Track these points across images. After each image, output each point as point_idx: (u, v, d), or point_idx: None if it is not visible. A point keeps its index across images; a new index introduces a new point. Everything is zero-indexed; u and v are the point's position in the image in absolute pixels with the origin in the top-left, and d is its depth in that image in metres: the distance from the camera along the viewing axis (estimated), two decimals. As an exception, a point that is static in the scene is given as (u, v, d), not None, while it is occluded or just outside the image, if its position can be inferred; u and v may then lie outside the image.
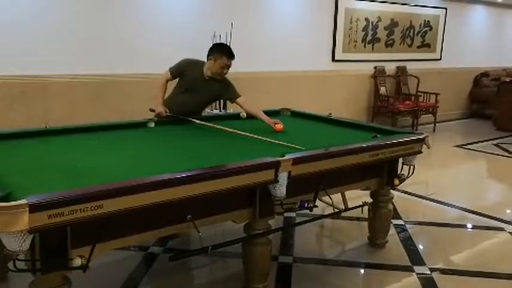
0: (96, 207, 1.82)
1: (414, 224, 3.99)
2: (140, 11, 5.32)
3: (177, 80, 3.73)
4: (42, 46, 4.73)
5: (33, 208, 1.67)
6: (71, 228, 1.91)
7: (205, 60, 3.62)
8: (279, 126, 3.36)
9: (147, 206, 1.97)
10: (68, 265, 1.94)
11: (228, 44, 5.47)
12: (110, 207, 1.86)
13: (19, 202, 1.66)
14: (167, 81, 3.69)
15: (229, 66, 3.58)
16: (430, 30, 8.62)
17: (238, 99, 3.65)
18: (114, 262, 3.13)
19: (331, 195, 2.92)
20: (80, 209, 1.78)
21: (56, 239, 1.89)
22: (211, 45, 3.64)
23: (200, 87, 3.62)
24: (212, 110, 5.72)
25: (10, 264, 1.88)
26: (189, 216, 2.27)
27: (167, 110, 3.58)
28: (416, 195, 4.72)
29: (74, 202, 1.76)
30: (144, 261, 3.19)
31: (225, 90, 3.67)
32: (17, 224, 1.65)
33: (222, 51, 3.53)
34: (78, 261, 1.94)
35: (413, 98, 7.97)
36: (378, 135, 3.18)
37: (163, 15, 5.49)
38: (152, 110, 3.67)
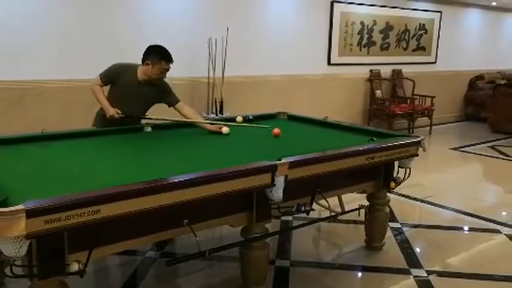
0: (93, 212, 1.82)
1: (411, 226, 4.00)
2: (136, 16, 5.33)
3: (109, 87, 3.54)
4: (38, 51, 4.73)
5: (30, 213, 1.67)
6: (68, 234, 1.91)
7: (137, 62, 3.48)
8: (276, 131, 3.37)
9: (144, 210, 1.97)
10: (65, 270, 1.94)
11: (223, 47, 5.48)
12: (107, 212, 1.86)
13: (16, 208, 1.66)
14: (100, 86, 3.48)
15: (167, 70, 3.45)
16: (425, 33, 8.67)
17: (178, 104, 3.55)
18: (112, 267, 3.13)
19: (327, 199, 2.92)
20: (77, 214, 1.78)
21: (53, 244, 1.89)
22: (147, 47, 3.43)
23: (135, 92, 3.46)
24: (208, 114, 5.74)
25: (7, 270, 1.87)
26: (186, 220, 2.27)
27: (119, 112, 3.41)
28: (412, 198, 4.73)
29: (70, 207, 1.76)
30: (141, 265, 3.18)
31: (163, 94, 3.55)
32: (14, 229, 1.65)
33: (160, 55, 3.37)
34: (75, 267, 1.94)
35: (409, 101, 8.01)
36: (374, 139, 3.19)
37: (159, 20, 5.50)
38: (102, 115, 3.50)
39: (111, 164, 2.60)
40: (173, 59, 3.43)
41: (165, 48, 3.43)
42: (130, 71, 3.46)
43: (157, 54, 3.37)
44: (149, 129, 3.46)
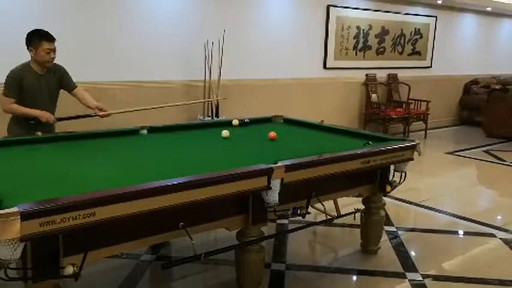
0: (88, 215, 1.81)
1: (406, 230, 4.01)
2: (131, 20, 5.33)
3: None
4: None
5: (25, 216, 1.66)
6: (62, 236, 1.90)
7: (24, 60, 3.46)
8: (272, 134, 3.37)
9: (140, 213, 1.96)
10: (60, 273, 1.93)
11: (220, 51, 5.50)
12: (102, 215, 1.85)
13: (10, 210, 1.66)
14: (14, 103, 3.42)
15: (54, 50, 3.42)
16: (421, 38, 8.71)
17: (76, 90, 3.63)
18: (107, 270, 3.11)
19: (323, 202, 2.93)
20: (72, 217, 1.77)
21: (47, 247, 1.88)
22: (26, 35, 3.39)
23: (40, 86, 3.45)
24: (204, 118, 5.74)
25: (1, 273, 1.86)
26: (181, 223, 2.27)
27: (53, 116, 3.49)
28: (408, 202, 4.74)
29: (65, 210, 1.76)
30: (136, 269, 3.17)
31: (62, 78, 3.58)
32: (8, 232, 1.64)
33: (39, 36, 3.35)
34: (70, 270, 1.92)
35: (404, 105, 8.04)
36: (370, 143, 3.20)
37: (154, 23, 5.50)
38: (33, 122, 3.46)
39: (106, 166, 2.59)
40: (27, 47, 3.40)
41: (42, 30, 3.42)
42: (26, 69, 3.45)
43: (37, 37, 3.38)
44: (145, 131, 3.46)
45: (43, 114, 3.45)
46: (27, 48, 3.41)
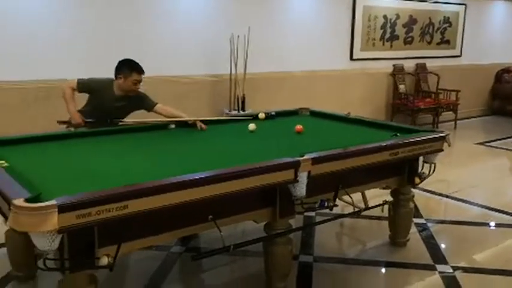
0: (121, 208, 1.87)
1: (436, 222, 3.96)
2: (156, 14, 5.39)
3: (87, 98, 3.62)
4: (54, 51, 4.82)
5: (62, 209, 1.73)
6: (97, 228, 1.96)
7: (113, 78, 3.54)
8: (299, 127, 3.38)
9: (170, 206, 2.01)
10: (95, 264, 2.00)
11: (245, 44, 5.53)
12: (135, 208, 1.91)
13: (48, 203, 1.73)
14: (73, 90, 3.53)
15: (140, 81, 3.53)
16: (450, 26, 8.52)
17: (156, 107, 3.61)
18: (138, 261, 3.19)
19: (351, 194, 2.93)
20: (106, 210, 1.83)
21: (83, 238, 1.95)
22: (118, 62, 3.53)
23: (112, 107, 3.52)
24: (230, 111, 5.78)
25: (40, 263, 1.94)
26: (210, 216, 2.31)
27: (83, 119, 3.50)
28: (437, 194, 4.68)
29: (100, 203, 1.82)
30: (166, 260, 3.24)
31: (140, 102, 3.62)
32: (47, 224, 1.71)
33: (130, 68, 3.46)
34: (104, 260, 1.99)
35: (433, 95, 7.89)
36: (398, 134, 3.18)
37: (181, 18, 5.55)
38: (63, 122, 3.53)
39: (137, 160, 2.66)
40: (144, 70, 3.52)
41: (134, 61, 3.53)
42: (107, 88, 3.53)
43: (128, 67, 3.47)
44: (173, 126, 3.51)
45: (75, 117, 3.47)
46: (116, 74, 3.49)
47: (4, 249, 2.95)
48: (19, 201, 1.74)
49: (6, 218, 1.87)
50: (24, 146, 2.87)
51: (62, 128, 3.48)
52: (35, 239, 1.77)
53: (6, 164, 2.30)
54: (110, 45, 5.08)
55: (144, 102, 3.64)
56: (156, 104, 3.62)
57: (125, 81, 3.46)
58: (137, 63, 3.52)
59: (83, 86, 3.56)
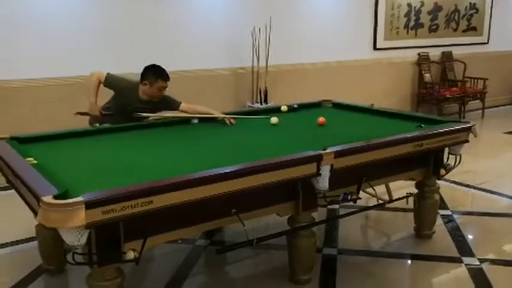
0: (146, 203, 1.91)
1: (462, 214, 3.90)
2: (176, 7, 5.41)
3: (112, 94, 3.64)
4: (81, 47, 4.90)
5: (89, 205, 1.77)
6: (123, 223, 2.01)
7: (139, 80, 3.53)
8: (321, 119, 3.37)
9: (194, 201, 2.04)
10: (122, 258, 2.04)
11: (267, 36, 5.51)
12: (159, 203, 1.94)
13: (76, 200, 1.77)
14: (99, 82, 3.56)
15: (165, 88, 3.52)
16: (476, 13, 8.30)
17: (181, 107, 3.59)
18: (165, 254, 3.25)
19: (374, 187, 2.91)
20: (131, 205, 1.87)
21: (110, 233, 2.00)
22: (144, 68, 3.52)
23: (138, 108, 3.52)
24: (253, 104, 5.79)
25: (69, 257, 2.00)
26: (233, 210, 2.34)
27: (101, 111, 3.55)
28: (464, 185, 4.60)
29: (125, 199, 1.86)
30: (192, 253, 3.29)
31: (165, 105, 3.61)
32: (74, 220, 1.76)
33: (156, 75, 3.45)
34: (131, 255, 2.04)
35: (459, 84, 7.72)
36: (422, 126, 3.13)
37: (201, 11, 5.56)
38: (82, 113, 3.57)
39: (161, 156, 2.70)
40: (142, 79, 3.49)
41: (160, 67, 3.52)
42: (133, 90, 3.54)
43: (154, 74, 3.46)
44: (196, 121, 3.54)
45: (94, 109, 3.53)
46: (142, 80, 3.49)
47: (35, 243, 3.04)
48: (48, 198, 1.79)
49: (35, 213, 1.93)
50: (50, 143, 2.95)
51: (82, 120, 3.52)
52: (64, 234, 1.82)
53: (34, 161, 2.37)
54: (130, 40, 5.13)
55: (169, 106, 3.63)
56: (180, 103, 3.62)
57: (150, 87, 3.47)
58: (163, 70, 3.51)
59: (111, 81, 3.58)
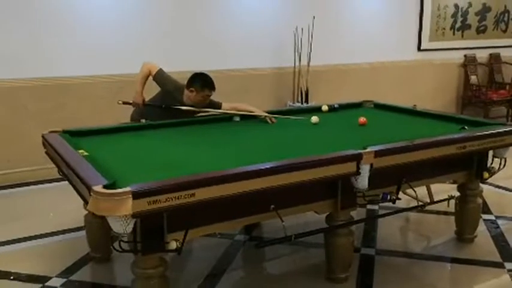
0: (189, 196, 1.98)
1: (507, 219, 3.79)
2: (222, 9, 5.51)
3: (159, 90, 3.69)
4: (134, 46, 5.07)
5: (136, 195, 1.86)
6: (167, 214, 2.09)
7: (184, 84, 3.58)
8: (362, 119, 3.37)
9: (235, 195, 2.10)
10: (165, 248, 2.13)
11: (309, 36, 5.52)
12: (201, 196, 2.01)
13: (124, 190, 1.87)
14: (149, 74, 3.62)
15: (210, 96, 3.55)
16: (528, 13, 7.99)
17: (222, 107, 3.63)
18: (204, 247, 3.33)
19: (415, 188, 2.88)
20: (175, 197, 1.95)
21: (154, 223, 2.09)
22: (192, 75, 3.56)
23: (178, 111, 3.56)
24: (294, 103, 5.82)
25: (116, 245, 2.10)
26: (272, 206, 2.38)
27: (144, 101, 3.61)
28: (510, 190, 4.46)
29: (169, 190, 1.94)
30: (231, 248, 3.36)
31: (206, 107, 3.62)
32: (122, 209, 1.85)
33: (203, 84, 3.49)
34: (173, 245, 2.12)
35: (508, 86, 7.46)
36: (466, 127, 3.08)
37: (244, 11, 5.63)
38: (125, 103, 3.62)
39: (203, 151, 2.78)
40: (188, 85, 3.53)
41: (208, 77, 3.56)
42: (178, 93, 3.59)
43: (201, 83, 3.50)
44: (238, 119, 3.61)
45: (138, 97, 3.61)
46: (188, 86, 3.53)
47: (83, 232, 3.19)
48: (98, 188, 1.90)
49: (86, 202, 2.04)
50: (99, 137, 3.09)
51: (126, 114, 3.65)
52: (112, 223, 1.92)
53: (86, 153, 2.50)
54: (176, 40, 5.27)
55: (211, 106, 3.66)
56: (221, 104, 3.68)
57: (196, 95, 3.51)
58: (211, 80, 3.55)
59: (160, 78, 3.63)
